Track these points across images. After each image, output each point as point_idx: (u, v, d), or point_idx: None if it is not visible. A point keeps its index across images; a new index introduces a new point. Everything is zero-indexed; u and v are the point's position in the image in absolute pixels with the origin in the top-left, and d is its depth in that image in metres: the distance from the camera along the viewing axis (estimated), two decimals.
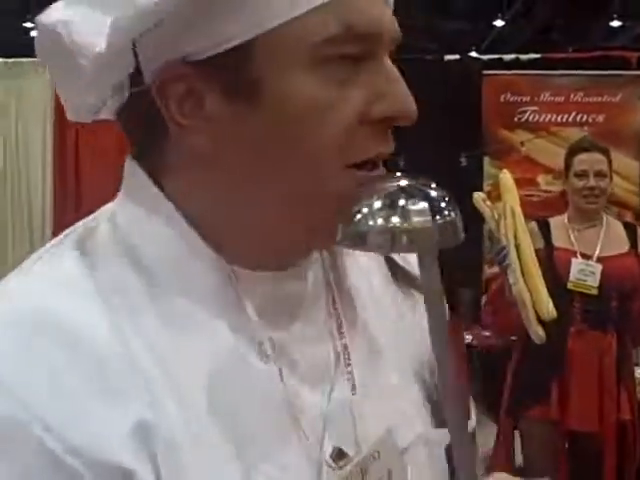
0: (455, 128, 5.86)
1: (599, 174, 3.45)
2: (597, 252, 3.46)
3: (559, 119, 5.83)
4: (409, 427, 0.82)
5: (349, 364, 0.78)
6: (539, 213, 3.86)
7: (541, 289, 3.21)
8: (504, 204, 3.33)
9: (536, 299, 3.20)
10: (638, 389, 4.00)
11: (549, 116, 5.84)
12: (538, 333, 3.22)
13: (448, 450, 0.78)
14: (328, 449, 0.74)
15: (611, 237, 3.51)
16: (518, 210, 3.33)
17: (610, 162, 3.51)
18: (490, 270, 5.65)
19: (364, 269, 0.87)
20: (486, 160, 5.85)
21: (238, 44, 0.67)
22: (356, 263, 0.85)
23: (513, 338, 3.66)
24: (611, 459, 3.41)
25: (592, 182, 3.44)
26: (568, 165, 3.53)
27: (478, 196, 3.47)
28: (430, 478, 0.82)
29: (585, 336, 3.41)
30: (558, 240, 3.55)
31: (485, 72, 5.89)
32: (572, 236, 3.53)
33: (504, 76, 5.91)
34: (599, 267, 3.41)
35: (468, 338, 4.98)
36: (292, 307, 0.77)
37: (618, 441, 3.40)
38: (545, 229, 3.58)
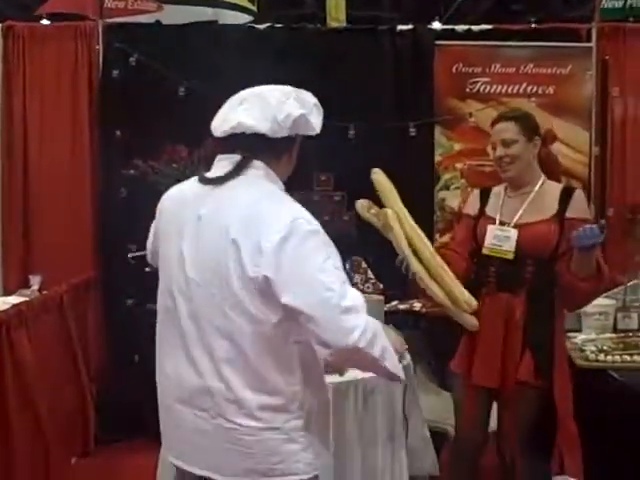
0: (406, 98, 5.87)
1: (504, 143, 3.59)
2: (515, 219, 3.57)
3: (509, 90, 5.87)
4: None
5: None
6: (489, 183, 3.88)
7: (453, 287, 3.27)
8: (385, 212, 3.25)
9: (452, 298, 3.27)
10: (575, 355, 4.11)
11: (500, 87, 5.87)
12: (470, 322, 3.34)
13: None
14: None
15: (537, 204, 3.59)
16: (402, 210, 3.29)
17: (523, 127, 3.59)
18: (441, 239, 5.72)
19: None
20: (437, 130, 5.88)
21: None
22: None
23: None
24: (510, 415, 3.57)
25: (499, 152, 3.61)
26: None
27: (361, 205, 3.38)
28: None
29: (494, 298, 3.56)
30: (491, 209, 3.70)
31: (437, 42, 5.90)
32: (499, 204, 3.67)
33: (456, 47, 5.93)
34: (514, 232, 3.52)
35: (417, 305, 5.04)
36: None
37: (516, 401, 3.51)
38: (485, 197, 3.76)
